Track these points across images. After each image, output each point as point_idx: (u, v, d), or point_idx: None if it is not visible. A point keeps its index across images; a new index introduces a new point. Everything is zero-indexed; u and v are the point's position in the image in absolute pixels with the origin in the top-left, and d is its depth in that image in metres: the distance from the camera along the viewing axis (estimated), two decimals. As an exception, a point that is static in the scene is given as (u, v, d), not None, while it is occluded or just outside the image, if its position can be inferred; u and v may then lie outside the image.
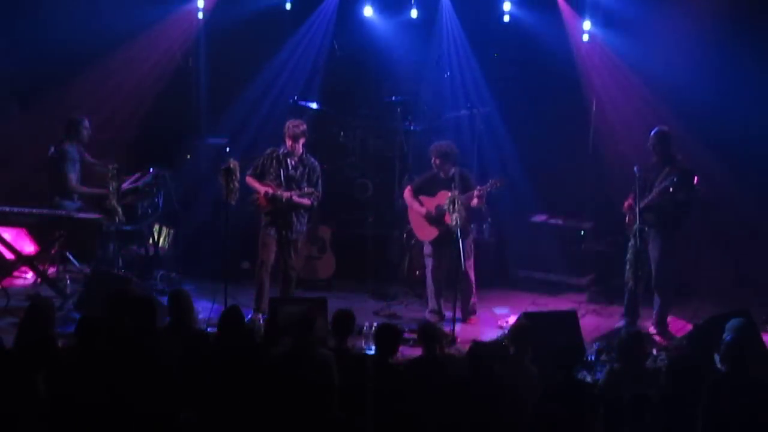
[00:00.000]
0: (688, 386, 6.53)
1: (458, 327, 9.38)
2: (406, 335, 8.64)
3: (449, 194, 9.62)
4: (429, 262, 10.11)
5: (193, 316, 7.90)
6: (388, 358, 7.17)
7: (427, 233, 10.03)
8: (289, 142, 9.63)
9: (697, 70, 11.31)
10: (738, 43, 11.12)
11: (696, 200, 9.65)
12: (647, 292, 9.83)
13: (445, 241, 9.77)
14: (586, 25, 12.13)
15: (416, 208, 10.03)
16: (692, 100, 11.21)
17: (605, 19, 12.07)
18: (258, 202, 9.72)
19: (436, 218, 9.87)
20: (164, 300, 8.34)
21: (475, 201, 9.72)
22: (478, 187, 9.72)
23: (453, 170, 9.82)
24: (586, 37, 12.14)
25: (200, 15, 12.42)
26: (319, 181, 9.80)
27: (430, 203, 9.94)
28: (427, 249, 10.11)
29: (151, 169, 10.51)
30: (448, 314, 9.80)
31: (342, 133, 11.92)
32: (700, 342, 7.42)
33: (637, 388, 6.86)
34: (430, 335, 7.33)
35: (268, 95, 12.35)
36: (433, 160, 9.95)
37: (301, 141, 9.67)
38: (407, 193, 10.19)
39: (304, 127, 9.79)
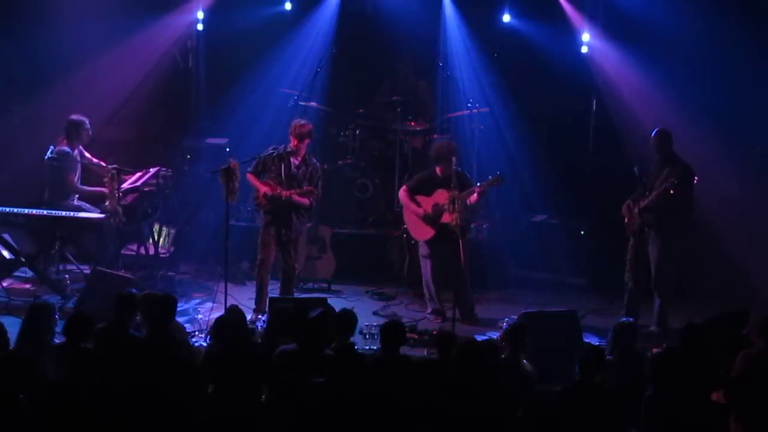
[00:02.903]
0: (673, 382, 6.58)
1: (458, 327, 9.37)
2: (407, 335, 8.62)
3: (447, 193, 9.59)
4: (427, 264, 10.02)
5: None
6: (392, 355, 7.17)
7: (423, 233, 9.91)
8: (294, 142, 9.63)
9: (703, 67, 11.34)
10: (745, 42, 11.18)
11: (695, 201, 9.65)
12: (647, 293, 9.83)
13: (442, 240, 9.74)
14: (585, 36, 12.15)
15: (413, 208, 9.90)
16: (695, 97, 11.23)
17: (607, 21, 12.08)
18: (259, 201, 9.73)
19: (433, 218, 9.80)
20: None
21: (474, 197, 9.69)
22: (478, 184, 9.71)
23: (452, 169, 9.72)
24: (584, 49, 12.16)
25: (199, 15, 12.42)
26: (320, 182, 9.81)
27: (427, 203, 9.86)
28: (424, 250, 9.99)
29: (151, 169, 10.50)
30: (448, 314, 9.79)
31: (342, 133, 11.91)
32: (695, 341, 7.40)
33: (633, 375, 6.90)
34: (448, 342, 7.33)
35: (267, 95, 12.35)
36: (437, 159, 9.83)
37: (306, 141, 9.68)
38: (403, 193, 10.09)
39: (309, 127, 9.80)
